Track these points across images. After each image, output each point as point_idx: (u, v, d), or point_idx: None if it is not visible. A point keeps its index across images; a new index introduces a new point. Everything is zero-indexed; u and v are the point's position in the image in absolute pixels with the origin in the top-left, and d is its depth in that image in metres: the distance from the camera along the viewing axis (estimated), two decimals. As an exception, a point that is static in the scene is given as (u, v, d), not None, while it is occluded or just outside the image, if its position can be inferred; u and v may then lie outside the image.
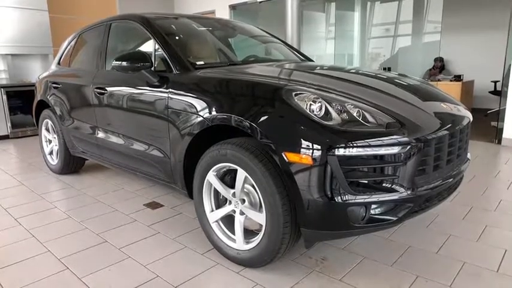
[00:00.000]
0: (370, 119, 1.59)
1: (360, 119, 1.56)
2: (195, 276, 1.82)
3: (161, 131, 2.19)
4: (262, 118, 1.63)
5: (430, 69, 7.70)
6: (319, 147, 1.48)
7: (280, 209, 1.62)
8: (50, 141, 3.65)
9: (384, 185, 1.54)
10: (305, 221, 1.59)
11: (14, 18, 5.41)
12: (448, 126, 1.73)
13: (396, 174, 1.53)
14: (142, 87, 2.31)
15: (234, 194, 1.84)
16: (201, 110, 1.92)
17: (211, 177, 1.92)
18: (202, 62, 2.29)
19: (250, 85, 1.81)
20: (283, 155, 1.55)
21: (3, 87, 5.39)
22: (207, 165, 1.91)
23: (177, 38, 2.54)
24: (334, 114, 1.57)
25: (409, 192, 1.56)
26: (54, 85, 3.32)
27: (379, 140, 1.50)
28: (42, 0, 5.63)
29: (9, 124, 5.46)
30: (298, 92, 1.63)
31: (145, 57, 2.22)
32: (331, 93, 1.71)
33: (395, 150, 1.51)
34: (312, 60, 3.18)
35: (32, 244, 2.19)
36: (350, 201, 1.50)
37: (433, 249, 2.02)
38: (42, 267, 1.93)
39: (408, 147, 1.53)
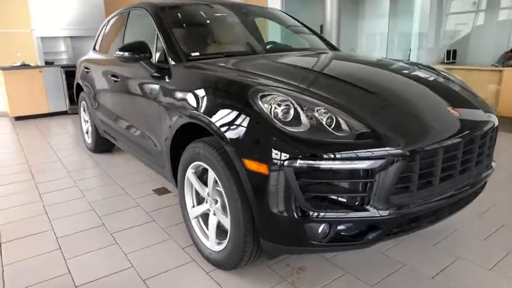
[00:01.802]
0: (344, 126, 1.40)
1: (328, 127, 1.39)
2: (167, 271, 1.84)
3: (154, 121, 2.20)
4: (225, 119, 1.53)
5: (507, 52, 6.66)
6: (275, 156, 1.35)
7: (242, 215, 1.53)
8: (87, 121, 3.92)
9: (349, 202, 1.36)
10: (263, 233, 1.49)
11: (71, 2, 5.82)
12: (444, 138, 1.46)
13: (364, 191, 1.34)
14: (143, 77, 2.33)
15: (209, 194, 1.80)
16: (181, 104, 1.88)
17: (190, 174, 1.89)
18: (197, 53, 2.22)
19: (221, 82, 1.71)
20: (242, 161, 1.45)
21: (63, 67, 5.90)
22: (186, 161, 1.88)
23: (180, 27, 2.49)
24: (304, 119, 1.41)
25: (381, 212, 1.36)
26: (85, 70, 3.53)
27: (343, 153, 1.31)
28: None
29: (67, 101, 6.00)
30: (265, 93, 1.49)
31: (145, 48, 2.21)
32: (307, 94, 1.54)
33: (363, 165, 1.32)
34: (337, 49, 2.92)
35: (41, 221, 2.39)
36: (307, 217, 1.36)
37: (430, 273, 1.78)
38: (39, 245, 2.10)
39: (380, 162, 1.32)
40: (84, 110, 3.92)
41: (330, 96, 1.56)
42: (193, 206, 1.98)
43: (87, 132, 3.96)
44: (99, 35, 3.70)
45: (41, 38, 5.80)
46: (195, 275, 1.80)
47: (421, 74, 2.01)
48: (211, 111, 1.61)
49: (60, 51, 6.18)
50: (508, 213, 2.36)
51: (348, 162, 1.31)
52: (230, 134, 1.51)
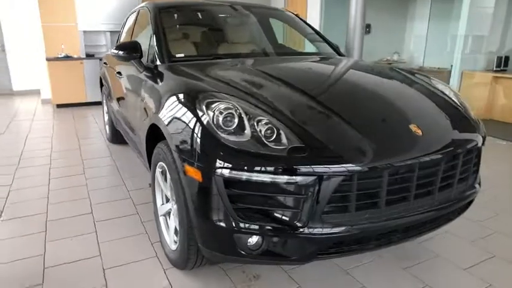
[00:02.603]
0: (283, 139, 1.37)
1: (266, 139, 1.36)
2: (128, 264, 1.92)
3: (139, 117, 2.29)
4: (173, 123, 1.57)
5: None
6: (208, 164, 1.36)
7: (186, 219, 1.56)
8: (107, 113, 4.17)
9: (278, 216, 1.33)
10: (199, 238, 1.51)
11: (112, -1, 6.20)
12: (393, 160, 1.36)
13: (293, 207, 1.31)
14: (136, 74, 2.43)
15: (171, 194, 1.85)
16: (153, 104, 1.94)
17: (157, 173, 1.95)
18: (182, 55, 2.27)
19: (178, 85, 1.74)
20: (184, 166, 1.48)
21: (101, 59, 6.29)
22: (155, 160, 1.94)
23: (174, 28, 2.55)
24: (247, 128, 1.40)
25: (311, 230, 1.32)
26: (104, 65, 3.76)
27: (272, 167, 1.29)
28: (134, -22, 6.26)
29: (103, 92, 6.40)
30: (212, 100, 1.50)
31: (136, 48, 2.32)
32: (257, 105, 1.52)
33: (291, 180, 1.28)
34: (342, 55, 2.82)
35: (40, 204, 2.60)
36: (235, 227, 1.35)
37: (388, 298, 1.68)
38: (28, 226, 2.30)
39: (311, 179, 1.27)
40: (105, 102, 4.18)
41: (283, 108, 1.53)
42: (162, 204, 2.04)
43: (107, 124, 4.21)
44: (121, 32, 3.91)
45: (84, 31, 6.24)
46: (152, 270, 1.87)
47: (399, 85, 1.88)
48: (165, 113, 1.66)
49: (101, 44, 6.60)
50: (503, 242, 2.14)
51: (276, 176, 1.28)
52: (176, 138, 1.54)
